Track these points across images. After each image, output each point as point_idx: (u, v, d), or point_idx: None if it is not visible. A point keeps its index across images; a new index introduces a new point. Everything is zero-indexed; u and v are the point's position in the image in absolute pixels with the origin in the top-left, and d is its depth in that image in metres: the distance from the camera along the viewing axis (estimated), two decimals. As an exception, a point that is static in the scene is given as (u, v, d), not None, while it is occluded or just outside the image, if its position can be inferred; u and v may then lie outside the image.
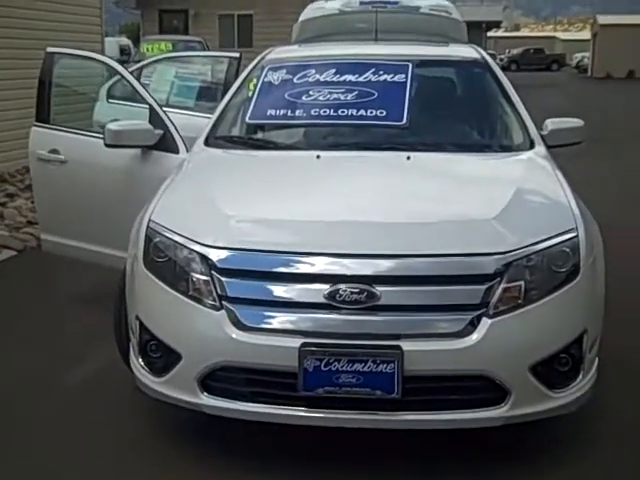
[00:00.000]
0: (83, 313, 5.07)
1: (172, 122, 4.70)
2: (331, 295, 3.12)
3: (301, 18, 7.17)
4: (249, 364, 3.19)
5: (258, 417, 3.25)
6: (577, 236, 3.37)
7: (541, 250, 3.28)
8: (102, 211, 4.87)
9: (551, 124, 4.48)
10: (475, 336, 3.12)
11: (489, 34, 49.32)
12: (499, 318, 3.15)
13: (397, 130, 4.31)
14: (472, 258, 3.19)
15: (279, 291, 3.19)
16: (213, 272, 3.25)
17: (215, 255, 3.26)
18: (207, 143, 4.45)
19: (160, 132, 4.65)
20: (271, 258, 3.22)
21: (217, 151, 4.34)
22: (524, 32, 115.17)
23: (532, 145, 4.30)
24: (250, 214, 3.48)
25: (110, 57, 5.38)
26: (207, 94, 6.41)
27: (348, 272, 3.15)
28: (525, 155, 4.19)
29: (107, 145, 4.52)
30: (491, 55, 5.23)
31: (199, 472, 3.37)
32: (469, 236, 3.27)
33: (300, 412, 3.19)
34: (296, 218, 3.41)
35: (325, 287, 3.13)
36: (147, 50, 15.79)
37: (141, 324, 3.47)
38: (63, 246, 5.16)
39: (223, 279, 3.23)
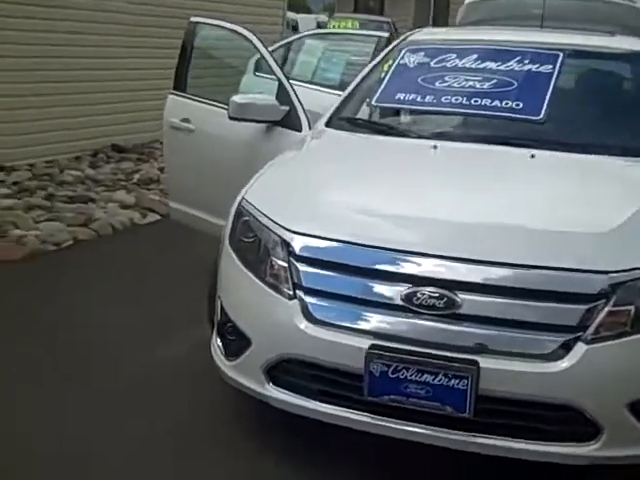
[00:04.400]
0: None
1: (299, 99, 4.55)
2: (408, 297, 2.87)
3: (467, 1, 6.85)
4: (316, 359, 2.99)
5: (321, 416, 3.05)
6: None
7: None
8: (224, 184, 4.78)
9: None
10: (566, 361, 2.76)
11: None
12: (598, 345, 2.77)
13: (531, 125, 3.93)
14: (573, 274, 2.82)
15: (354, 286, 2.97)
16: (291, 259, 3.07)
17: (295, 241, 3.09)
18: (329, 124, 4.26)
19: (286, 108, 4.51)
20: (349, 250, 3.00)
21: (335, 133, 4.14)
22: None
23: None
24: (340, 202, 3.27)
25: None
26: (353, 72, 6.21)
27: (429, 274, 2.88)
28: None
29: (231, 118, 4.44)
30: None
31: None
32: (574, 250, 2.91)
33: (365, 418, 2.96)
34: (385, 211, 3.18)
35: (404, 288, 2.88)
36: (334, 27, 15.73)
37: (221, 304, 3.36)
38: (189, 216, 5.15)
39: (300, 267, 3.05)
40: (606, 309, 2.79)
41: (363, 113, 4.41)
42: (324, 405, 3.02)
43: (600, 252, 2.89)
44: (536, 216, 3.11)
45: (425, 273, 2.88)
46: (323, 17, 30.30)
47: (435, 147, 3.77)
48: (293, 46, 6.43)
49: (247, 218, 3.33)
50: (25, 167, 7.76)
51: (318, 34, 6.75)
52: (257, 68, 6.62)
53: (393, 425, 2.92)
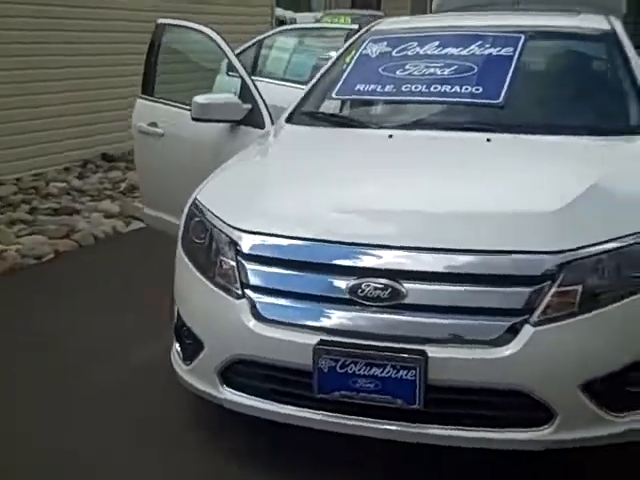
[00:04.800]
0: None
1: (261, 96, 4.50)
2: (353, 290, 2.81)
3: (441, -13, 6.78)
4: (266, 359, 2.94)
5: (275, 417, 3.00)
6: None
7: (609, 251, 2.80)
8: (193, 188, 4.75)
9: None
10: (514, 346, 2.70)
11: None
12: (546, 326, 2.71)
13: (489, 109, 3.87)
14: (517, 256, 2.76)
15: (299, 282, 2.92)
16: (239, 257, 3.03)
17: (242, 239, 3.04)
18: (289, 119, 4.22)
19: (248, 106, 4.46)
20: (292, 245, 2.96)
21: (293, 128, 4.10)
22: None
23: None
24: (287, 198, 3.22)
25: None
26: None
27: (373, 265, 2.82)
28: (633, 138, 3.64)
29: (194, 119, 4.40)
30: None
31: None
32: (519, 232, 2.84)
33: (317, 416, 2.90)
34: (330, 205, 3.11)
35: (348, 281, 2.83)
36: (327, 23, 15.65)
37: (177, 308, 3.33)
38: (162, 221, 5.10)
39: (247, 265, 3.00)
40: (553, 290, 2.73)
41: (326, 106, 4.36)
42: (277, 405, 2.97)
43: (545, 232, 2.83)
44: (482, 200, 3.05)
45: (368, 264, 2.83)
46: (320, 15, 30.24)
47: (390, 136, 3.72)
48: (265, 43, 6.38)
49: (198, 219, 3.29)
50: (11, 181, 7.75)
51: (289, 30, 6.68)
52: (230, 68, 6.60)
53: (346, 422, 2.87)
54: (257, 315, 2.94)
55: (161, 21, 5.17)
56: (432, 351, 2.72)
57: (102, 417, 3.56)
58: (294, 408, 2.94)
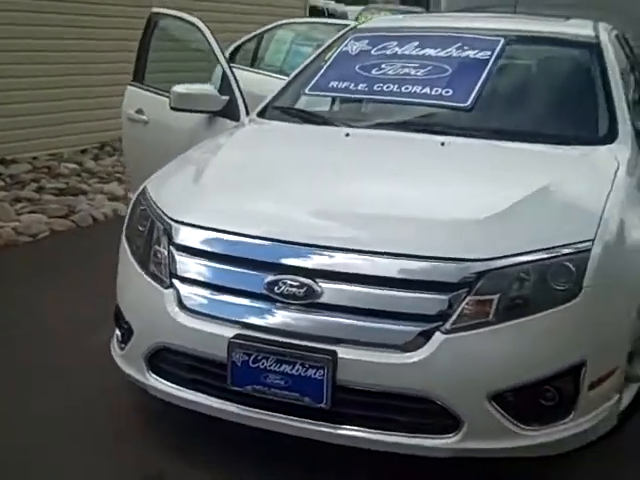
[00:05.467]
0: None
1: (240, 89, 4.53)
2: (270, 286, 2.83)
3: (451, -13, 6.76)
4: (187, 348, 2.98)
5: (195, 407, 3.03)
6: (589, 250, 2.82)
7: (531, 261, 2.77)
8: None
9: None
10: (423, 352, 2.70)
11: None
12: (458, 334, 2.70)
13: (455, 112, 3.85)
14: (433, 262, 2.75)
15: (221, 275, 2.95)
16: (171, 248, 3.07)
17: (174, 229, 3.08)
18: (261, 113, 4.25)
19: (226, 98, 4.50)
20: (218, 238, 2.99)
21: (258, 123, 4.13)
22: None
23: (614, 139, 3.68)
24: (224, 193, 3.25)
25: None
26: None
27: (290, 262, 2.84)
28: (593, 149, 3.59)
29: (172, 108, 4.45)
30: None
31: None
32: (440, 238, 2.82)
33: (232, 408, 2.94)
34: (262, 201, 3.13)
35: (267, 277, 2.85)
36: (365, 18, 15.56)
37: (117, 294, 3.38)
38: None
39: (176, 256, 3.05)
40: (468, 298, 2.71)
41: (298, 101, 4.36)
42: (197, 395, 3.01)
43: (467, 240, 2.81)
44: (411, 205, 3.04)
45: (286, 261, 2.85)
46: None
47: (347, 135, 3.72)
48: (265, 36, 6.42)
49: (143, 207, 3.33)
50: (27, 160, 7.91)
51: (288, 24, 6.70)
52: (231, 59, 6.65)
53: (258, 416, 2.89)
54: (182, 305, 2.98)
55: (155, 10, 5.22)
56: (343, 352, 2.73)
57: (38, 401, 3.58)
58: (212, 399, 2.97)
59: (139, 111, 5.04)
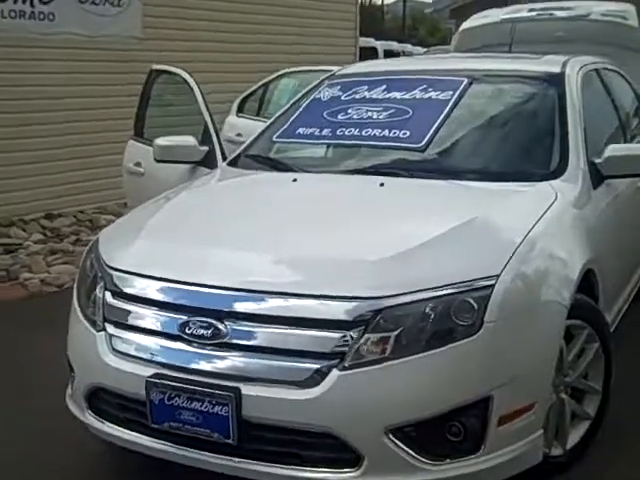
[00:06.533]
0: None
1: (219, 139, 4.73)
2: (182, 327, 2.98)
3: (462, 27, 6.86)
4: (116, 388, 3.14)
5: (124, 443, 3.18)
6: (493, 287, 2.86)
7: (431, 298, 2.83)
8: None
9: (611, 151, 3.84)
10: (320, 388, 2.78)
11: None
12: (354, 371, 2.77)
13: (406, 153, 3.95)
14: (330, 301, 2.84)
15: (143, 317, 3.11)
16: (105, 292, 3.25)
17: (107, 275, 3.27)
18: (232, 162, 4.43)
19: (206, 148, 4.70)
20: (140, 282, 3.16)
21: (225, 171, 4.32)
22: None
23: (560, 174, 3.70)
24: (155, 240, 3.42)
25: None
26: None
27: (200, 304, 2.98)
28: (533, 185, 3.61)
29: (156, 160, 4.68)
30: None
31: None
32: (340, 278, 2.91)
33: (155, 444, 3.07)
34: (184, 248, 3.28)
35: (179, 318, 3.00)
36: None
37: None
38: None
39: (108, 300, 3.22)
40: (365, 336, 2.78)
41: (268, 149, 4.51)
42: (127, 432, 3.15)
43: (366, 279, 2.88)
44: (321, 246, 3.13)
45: (196, 304, 2.99)
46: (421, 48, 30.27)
47: (295, 180, 3.85)
48: (270, 86, 6.61)
49: (92, 255, 3.53)
50: (73, 214, 8.31)
51: (292, 72, 6.88)
52: (239, 109, 6.89)
53: (178, 452, 3.01)
54: (111, 347, 3.15)
55: (154, 67, 5.50)
56: (246, 389, 2.84)
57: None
58: (140, 436, 3.11)
59: (137, 164, 5.30)
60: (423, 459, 2.80)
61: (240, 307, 2.92)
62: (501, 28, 6.34)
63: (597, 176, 3.85)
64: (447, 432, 2.84)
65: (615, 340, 3.60)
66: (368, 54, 23.84)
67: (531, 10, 6.64)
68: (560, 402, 3.28)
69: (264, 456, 2.88)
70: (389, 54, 26.06)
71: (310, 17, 11.53)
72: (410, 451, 2.79)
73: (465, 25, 6.72)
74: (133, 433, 3.13)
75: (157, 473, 3.37)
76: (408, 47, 30.36)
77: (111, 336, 3.16)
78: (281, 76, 6.86)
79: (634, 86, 5.45)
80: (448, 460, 2.84)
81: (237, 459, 2.90)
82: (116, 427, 3.19)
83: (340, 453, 2.81)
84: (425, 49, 18.40)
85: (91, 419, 3.27)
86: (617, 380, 3.54)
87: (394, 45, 29.24)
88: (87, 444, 3.56)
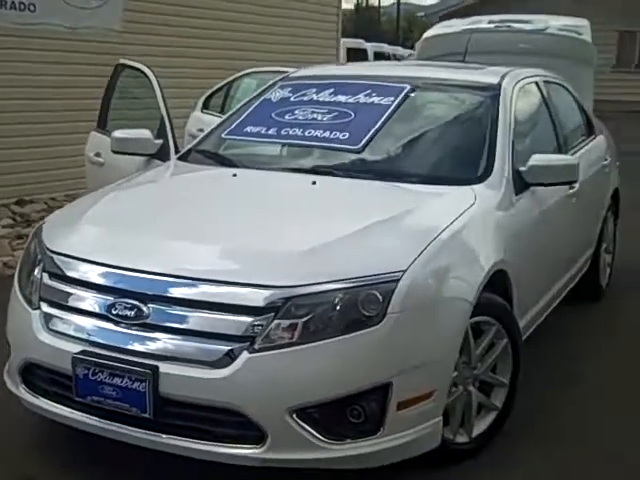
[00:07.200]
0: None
1: (173, 133, 4.92)
2: (109, 308, 3.18)
3: (424, 35, 7.06)
4: (46, 363, 3.34)
5: (53, 416, 3.38)
6: (398, 281, 3.07)
7: (338, 289, 3.05)
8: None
9: (533, 160, 4.06)
10: (230, 369, 2.99)
11: None
12: (261, 354, 2.99)
13: (342, 154, 4.17)
14: (243, 288, 3.05)
15: (75, 297, 3.31)
16: (43, 274, 3.45)
17: (46, 257, 3.47)
18: (183, 156, 4.63)
19: (160, 142, 4.89)
20: (74, 265, 3.36)
21: (175, 165, 4.51)
22: None
23: (484, 179, 3.92)
24: (94, 226, 3.62)
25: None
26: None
27: (126, 287, 3.19)
28: (456, 188, 3.83)
29: (113, 151, 4.88)
30: None
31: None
32: (255, 267, 3.13)
33: (80, 417, 3.27)
34: (119, 235, 3.49)
35: (107, 299, 3.20)
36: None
37: None
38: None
39: (44, 280, 3.42)
40: (275, 321, 3.00)
41: (217, 145, 4.71)
42: (55, 406, 3.36)
43: (279, 269, 3.10)
44: (244, 237, 3.35)
45: (123, 286, 3.20)
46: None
47: (235, 175, 4.06)
48: (234, 84, 6.83)
49: (36, 239, 3.73)
50: (44, 200, 8.50)
51: (253, 72, 7.10)
52: (205, 106, 7.09)
53: (99, 424, 3.22)
54: (44, 324, 3.35)
55: (120, 61, 5.70)
56: (164, 367, 3.05)
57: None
58: (66, 409, 3.31)
59: (97, 154, 5.50)
60: (324, 438, 3.02)
61: (161, 291, 3.13)
62: (461, 38, 6.54)
63: (521, 183, 4.06)
64: (348, 414, 3.05)
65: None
66: (359, 56, 24.03)
67: (490, 22, 6.88)
68: (467, 393, 3.50)
69: (179, 431, 3.10)
70: (379, 56, 26.28)
71: (292, 17, 11.76)
72: (312, 430, 3.00)
73: (428, 34, 6.93)
74: (60, 406, 3.34)
75: (84, 444, 3.56)
76: (399, 50, 30.58)
77: (45, 314, 3.36)
78: (245, 75, 7.08)
79: (578, 98, 5.67)
80: (349, 440, 3.06)
81: (154, 433, 3.11)
82: (46, 401, 3.39)
83: (246, 430, 3.02)
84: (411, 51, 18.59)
85: (24, 393, 3.46)
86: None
87: (385, 47, 29.40)
88: (22, 417, 3.75)
